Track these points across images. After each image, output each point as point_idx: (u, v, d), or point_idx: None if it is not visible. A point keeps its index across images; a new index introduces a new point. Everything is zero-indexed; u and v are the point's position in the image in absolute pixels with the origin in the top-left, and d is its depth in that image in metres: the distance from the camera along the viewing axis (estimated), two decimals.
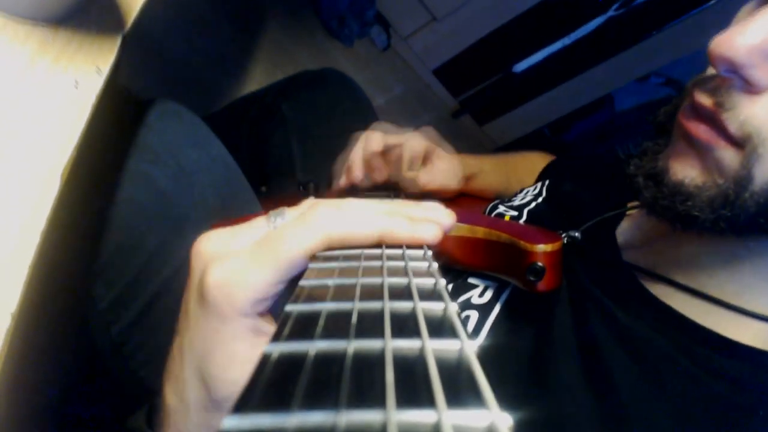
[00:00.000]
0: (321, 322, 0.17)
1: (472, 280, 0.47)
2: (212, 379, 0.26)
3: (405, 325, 0.16)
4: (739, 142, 0.33)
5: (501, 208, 0.55)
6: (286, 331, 0.16)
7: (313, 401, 0.12)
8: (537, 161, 0.75)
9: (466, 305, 0.44)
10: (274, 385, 0.13)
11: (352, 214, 0.25)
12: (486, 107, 1.89)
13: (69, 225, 0.34)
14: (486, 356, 0.40)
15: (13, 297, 0.27)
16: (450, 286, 0.47)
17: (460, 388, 0.12)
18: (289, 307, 0.18)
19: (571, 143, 1.98)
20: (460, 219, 0.43)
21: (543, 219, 0.52)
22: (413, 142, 0.59)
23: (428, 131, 0.62)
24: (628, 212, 0.48)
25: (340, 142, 0.68)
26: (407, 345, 0.15)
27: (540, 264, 0.38)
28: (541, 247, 0.38)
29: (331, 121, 0.75)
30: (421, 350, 0.14)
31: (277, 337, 0.15)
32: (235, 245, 0.26)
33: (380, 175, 0.59)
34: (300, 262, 0.24)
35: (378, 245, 0.26)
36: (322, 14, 1.52)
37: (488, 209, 0.57)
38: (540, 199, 0.56)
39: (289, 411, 0.11)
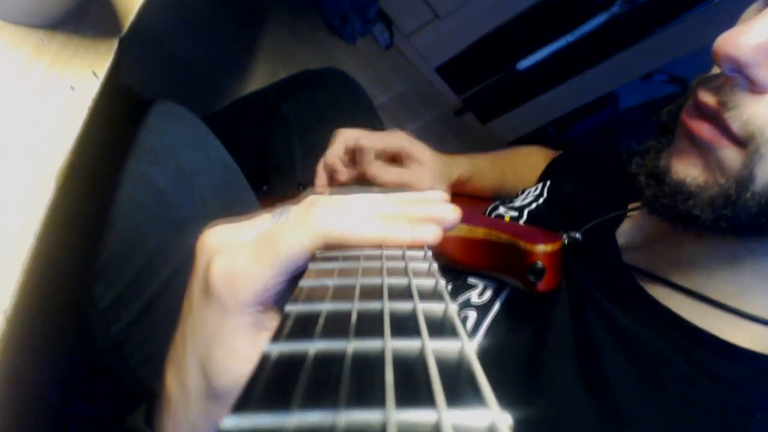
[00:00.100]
0: (320, 322, 0.17)
1: (471, 280, 0.47)
2: (213, 370, 0.26)
3: (405, 325, 0.16)
4: (742, 142, 0.33)
5: (501, 209, 0.55)
6: (286, 330, 0.16)
7: (313, 401, 0.12)
8: (533, 156, 0.75)
9: (466, 305, 0.44)
10: (273, 385, 0.13)
11: (352, 216, 0.25)
12: (489, 105, 1.88)
13: (67, 226, 0.34)
14: (484, 356, 0.40)
15: (7, 296, 0.27)
16: (450, 286, 0.47)
17: (460, 388, 0.12)
18: (289, 307, 0.18)
19: (574, 141, 1.98)
20: (461, 219, 0.43)
21: (543, 220, 0.52)
22: (378, 138, 0.59)
23: (398, 133, 0.61)
24: (628, 214, 0.48)
25: None
26: (407, 345, 0.15)
27: (540, 264, 0.38)
28: (541, 248, 0.38)
29: (332, 120, 0.75)
30: (421, 350, 0.14)
31: (276, 337, 0.15)
32: (239, 239, 0.27)
33: (341, 176, 0.59)
34: (299, 259, 0.24)
35: (378, 247, 0.26)
36: (324, 12, 1.52)
37: (488, 210, 0.57)
38: (541, 200, 0.56)
39: (288, 411, 0.11)
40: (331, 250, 0.25)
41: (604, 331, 0.39)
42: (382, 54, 1.72)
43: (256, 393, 0.12)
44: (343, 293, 0.19)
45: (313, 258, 0.25)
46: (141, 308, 0.47)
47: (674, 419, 0.33)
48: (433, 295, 0.19)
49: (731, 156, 0.33)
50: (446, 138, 1.83)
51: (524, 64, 1.70)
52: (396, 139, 0.60)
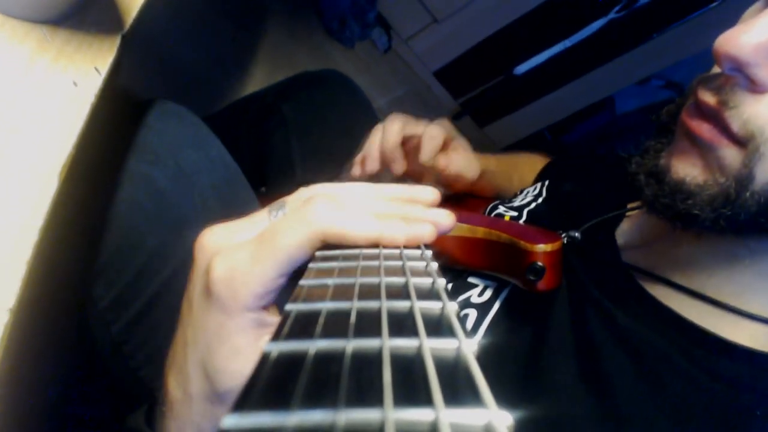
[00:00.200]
0: (320, 321, 0.17)
1: (471, 280, 0.47)
2: (216, 371, 0.26)
3: (403, 325, 0.16)
4: (742, 141, 0.33)
5: (501, 209, 0.56)
6: (286, 330, 0.16)
7: (313, 400, 0.12)
8: (537, 163, 0.75)
9: (466, 304, 0.44)
10: (273, 384, 0.13)
11: (347, 213, 0.25)
12: (487, 109, 1.89)
13: (68, 224, 0.34)
14: (484, 355, 0.40)
15: (12, 293, 0.27)
16: (450, 286, 0.47)
17: (458, 387, 0.12)
18: (289, 307, 0.18)
19: (572, 145, 1.99)
20: (461, 219, 0.43)
21: (543, 219, 0.52)
22: (433, 130, 0.58)
23: (445, 123, 0.61)
24: (628, 213, 0.48)
25: (340, 143, 0.68)
26: (405, 344, 0.15)
27: (540, 264, 0.38)
28: (541, 247, 0.38)
29: (331, 121, 0.75)
30: (419, 349, 0.14)
31: (276, 336, 0.15)
32: (238, 239, 0.27)
33: (400, 167, 0.57)
34: (298, 256, 0.24)
35: (375, 245, 0.26)
36: (322, 16, 1.52)
37: (488, 209, 0.57)
38: (540, 200, 0.56)
39: (288, 410, 0.11)
40: (330, 250, 0.25)
41: (604, 330, 0.39)
42: (380, 58, 1.73)
43: (256, 392, 0.12)
44: (342, 292, 0.19)
45: (312, 257, 0.25)
46: (141, 308, 0.46)
47: (674, 418, 0.33)
48: (432, 294, 0.19)
49: (731, 155, 0.33)
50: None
51: (522, 68, 1.70)
52: (448, 128, 0.60)
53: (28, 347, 0.33)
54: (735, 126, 0.33)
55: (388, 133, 0.57)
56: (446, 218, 0.28)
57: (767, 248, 0.36)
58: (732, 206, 0.34)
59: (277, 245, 0.24)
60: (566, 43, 1.61)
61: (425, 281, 0.21)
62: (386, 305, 0.18)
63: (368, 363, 0.14)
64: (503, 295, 0.44)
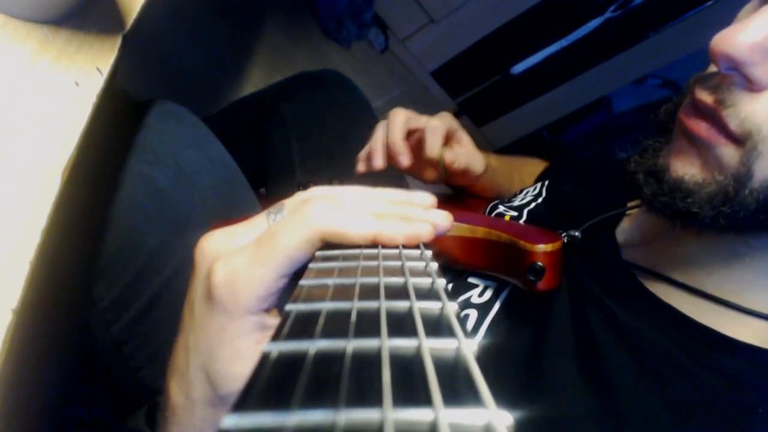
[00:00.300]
0: (320, 321, 0.17)
1: (472, 280, 0.47)
2: (218, 375, 0.26)
3: (403, 325, 0.16)
4: (740, 139, 0.33)
5: (501, 208, 0.56)
6: (286, 330, 0.16)
7: (313, 400, 0.12)
8: (537, 166, 0.75)
9: (466, 304, 0.44)
10: (273, 384, 0.13)
11: (346, 212, 0.25)
12: (484, 109, 1.89)
13: (69, 224, 0.34)
14: (484, 355, 0.40)
15: (14, 293, 0.27)
16: (450, 286, 0.47)
17: (457, 387, 0.12)
18: (289, 307, 0.18)
19: (569, 145, 1.99)
20: (461, 219, 0.43)
21: (543, 219, 0.52)
22: (435, 122, 0.57)
23: (446, 116, 0.60)
24: (628, 212, 0.49)
25: (340, 143, 0.68)
26: (404, 344, 0.15)
27: (540, 264, 0.38)
28: (541, 247, 0.38)
29: (329, 121, 0.75)
30: (418, 349, 0.15)
31: (276, 336, 0.15)
32: (237, 243, 0.27)
33: (405, 160, 0.56)
34: (298, 257, 0.24)
35: (374, 245, 0.26)
36: (319, 16, 1.52)
37: (488, 209, 0.57)
38: (540, 200, 0.56)
39: (288, 410, 0.11)
40: (330, 250, 0.25)
41: (604, 328, 0.39)
42: (377, 58, 1.73)
43: (256, 392, 0.12)
44: (342, 292, 0.19)
45: (312, 258, 0.25)
46: (141, 308, 0.46)
47: (676, 415, 0.33)
48: (431, 294, 0.20)
49: (729, 154, 0.34)
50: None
51: (519, 68, 1.70)
52: (449, 121, 0.60)
53: (30, 348, 0.33)
54: (732, 124, 0.33)
55: (393, 126, 0.56)
56: (444, 219, 0.28)
57: (767, 245, 0.36)
58: (731, 204, 0.34)
59: (277, 247, 0.24)
60: (563, 43, 1.62)
61: (425, 281, 0.21)
62: (386, 305, 0.18)
63: (368, 363, 0.14)
64: (503, 295, 0.44)
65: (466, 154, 0.60)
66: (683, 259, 0.41)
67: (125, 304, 0.46)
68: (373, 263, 0.23)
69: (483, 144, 1.96)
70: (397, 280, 0.21)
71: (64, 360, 0.44)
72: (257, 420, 0.11)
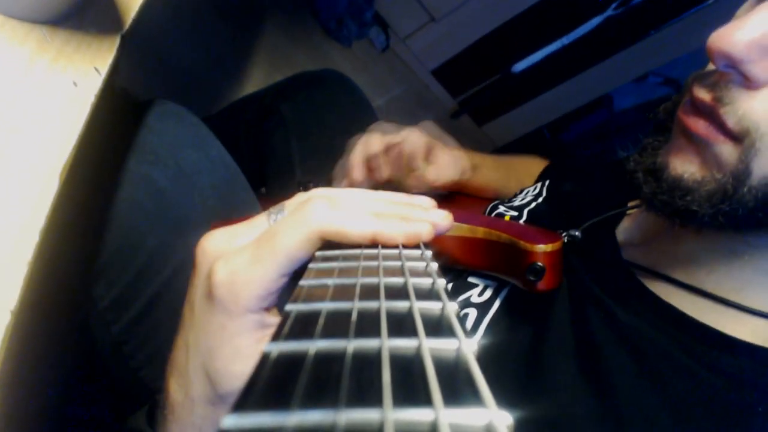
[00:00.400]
0: (320, 321, 0.17)
1: (472, 280, 0.47)
2: (217, 373, 0.26)
3: (403, 325, 0.16)
4: (738, 137, 0.33)
5: (501, 209, 0.56)
6: (286, 330, 0.16)
7: (313, 400, 0.12)
8: (535, 165, 0.75)
9: (466, 304, 0.44)
10: (273, 384, 0.13)
11: (345, 212, 0.25)
12: (485, 108, 1.89)
13: (69, 225, 0.34)
14: (483, 354, 0.40)
15: (13, 294, 0.27)
16: (450, 285, 0.47)
17: (458, 387, 0.12)
18: (289, 307, 0.18)
19: (570, 143, 1.99)
20: (461, 219, 0.43)
21: (543, 219, 0.52)
22: (413, 137, 0.58)
23: (428, 125, 0.61)
24: (628, 212, 0.49)
25: (340, 143, 0.68)
26: (404, 344, 0.15)
27: (540, 264, 0.38)
28: (541, 247, 0.38)
29: (330, 121, 0.75)
30: (418, 349, 0.14)
31: (276, 337, 0.15)
32: (238, 243, 0.27)
33: (380, 176, 0.58)
34: (298, 256, 0.24)
35: (374, 244, 0.26)
36: (320, 16, 1.52)
37: (488, 209, 0.57)
38: (540, 199, 0.56)
39: (288, 410, 0.11)
40: (330, 250, 0.25)
41: (604, 328, 0.39)
42: (378, 57, 1.73)
43: (256, 392, 0.12)
44: (342, 292, 0.19)
45: (312, 258, 0.25)
46: (141, 308, 0.47)
47: (676, 414, 0.33)
48: (432, 294, 0.19)
49: (727, 151, 0.34)
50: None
51: (520, 66, 1.70)
52: (427, 137, 0.60)
53: (29, 348, 0.33)
54: (730, 122, 0.33)
55: (369, 143, 0.58)
56: (444, 219, 0.28)
57: (766, 243, 0.36)
58: (730, 202, 0.34)
59: (277, 246, 0.24)
60: (564, 41, 1.62)
61: (425, 281, 0.21)
62: (386, 305, 0.18)
63: (368, 363, 0.14)
64: (503, 294, 0.44)
65: (447, 167, 0.60)
66: (683, 258, 0.41)
67: (125, 304, 0.46)
68: (373, 263, 0.23)
69: (484, 142, 1.96)
70: (397, 280, 0.21)
71: (63, 360, 0.45)
72: (257, 420, 0.11)
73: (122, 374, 0.49)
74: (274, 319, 0.26)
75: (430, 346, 0.14)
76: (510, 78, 1.74)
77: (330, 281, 0.21)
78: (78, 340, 0.46)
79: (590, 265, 0.44)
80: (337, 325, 0.16)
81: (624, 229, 0.48)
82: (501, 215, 0.54)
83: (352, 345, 0.15)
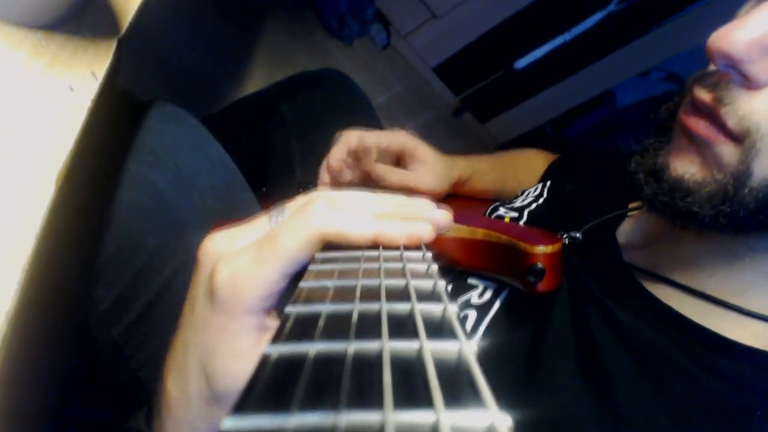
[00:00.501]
0: (320, 323, 0.17)
1: (471, 281, 0.47)
2: (215, 372, 0.26)
3: (404, 327, 0.16)
4: (738, 137, 0.33)
5: (501, 210, 0.56)
6: (286, 331, 0.16)
7: (313, 402, 0.12)
8: (534, 159, 0.75)
9: (466, 305, 0.44)
10: (273, 386, 0.13)
11: (346, 213, 0.25)
12: (487, 105, 1.88)
13: (67, 227, 0.34)
14: (484, 355, 0.40)
15: (7, 297, 0.27)
16: (450, 287, 0.47)
17: (458, 389, 0.12)
18: (289, 309, 0.18)
19: (572, 140, 1.98)
20: (461, 220, 0.43)
21: (543, 220, 0.52)
22: (382, 137, 0.58)
23: (400, 133, 0.60)
24: (629, 213, 0.48)
25: None
26: (405, 346, 0.15)
27: (540, 265, 0.38)
28: (541, 249, 0.38)
29: (330, 121, 0.75)
30: (419, 351, 0.14)
31: (276, 338, 0.15)
32: (240, 244, 0.27)
33: (345, 177, 0.59)
34: (299, 257, 0.24)
35: (375, 246, 0.26)
36: (321, 14, 1.51)
37: (489, 211, 0.57)
38: (541, 200, 0.56)
39: (288, 412, 0.11)
40: (331, 252, 0.25)
41: (604, 329, 0.39)
42: (379, 54, 1.72)
43: (256, 394, 0.12)
44: (343, 294, 0.19)
45: (313, 259, 0.25)
46: (141, 309, 0.47)
47: (675, 417, 0.33)
48: (432, 296, 0.19)
49: (728, 152, 0.34)
50: (445, 138, 1.83)
51: (522, 62, 1.70)
52: (399, 138, 0.59)
53: (27, 349, 0.33)
54: (731, 122, 0.33)
55: (334, 150, 0.59)
56: (444, 217, 0.28)
57: (767, 246, 0.36)
58: (731, 203, 0.34)
59: (278, 247, 0.24)
60: (566, 37, 1.61)
61: (426, 283, 0.21)
62: (386, 307, 0.18)
63: (368, 365, 0.14)
64: (503, 295, 0.44)
65: (428, 173, 0.59)
66: (684, 260, 0.40)
67: (125, 305, 0.46)
68: (374, 265, 0.23)
69: (486, 140, 1.96)
70: (398, 282, 0.21)
71: (63, 360, 0.45)
72: (257, 422, 0.11)
73: (122, 375, 0.49)
74: (274, 322, 0.26)
75: (431, 348, 0.14)
76: (512, 75, 1.73)
77: (330, 283, 0.21)
78: (78, 341, 0.47)
79: (591, 267, 0.44)
80: (338, 327, 0.16)
81: (625, 231, 0.48)
82: (501, 217, 0.54)
83: (352, 347, 0.15)
